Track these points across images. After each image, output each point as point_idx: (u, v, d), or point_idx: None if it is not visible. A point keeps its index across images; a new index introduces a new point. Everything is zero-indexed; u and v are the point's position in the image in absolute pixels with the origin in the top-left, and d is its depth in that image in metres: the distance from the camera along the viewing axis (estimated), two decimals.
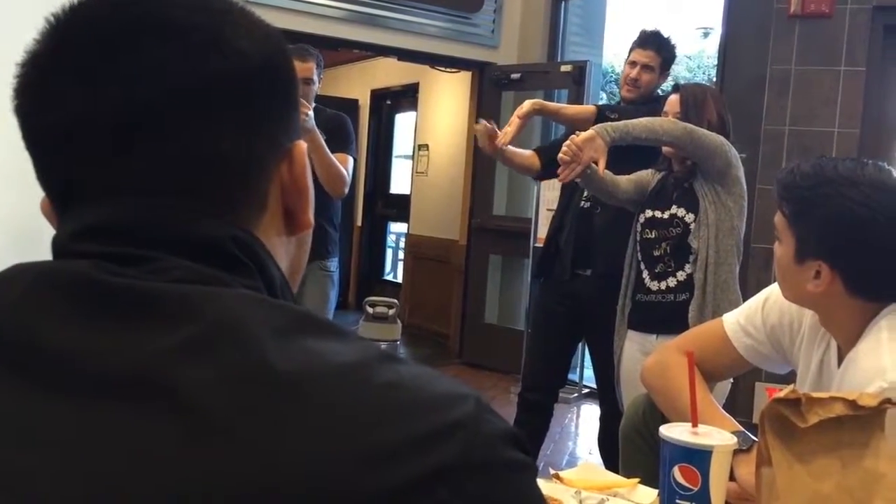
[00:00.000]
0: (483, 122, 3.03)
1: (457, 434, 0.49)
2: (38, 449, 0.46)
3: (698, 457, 1.17)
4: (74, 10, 0.57)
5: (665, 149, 2.62)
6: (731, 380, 2.43)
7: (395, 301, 5.69)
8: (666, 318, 2.55)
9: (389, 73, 7.82)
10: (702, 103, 2.63)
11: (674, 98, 2.69)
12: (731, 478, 1.26)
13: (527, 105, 2.96)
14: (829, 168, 1.39)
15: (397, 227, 8.60)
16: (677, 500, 1.18)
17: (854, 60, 4.13)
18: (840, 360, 1.45)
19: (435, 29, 5.76)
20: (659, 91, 3.17)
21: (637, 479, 1.42)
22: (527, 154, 3.20)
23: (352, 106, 8.04)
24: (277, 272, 0.59)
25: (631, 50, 3.16)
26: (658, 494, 1.28)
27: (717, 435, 1.22)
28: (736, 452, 1.23)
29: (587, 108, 3.18)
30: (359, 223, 8.54)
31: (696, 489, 1.16)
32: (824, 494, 1.05)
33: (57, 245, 0.56)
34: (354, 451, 0.46)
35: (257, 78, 0.58)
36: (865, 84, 4.14)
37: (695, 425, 1.23)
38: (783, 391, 1.08)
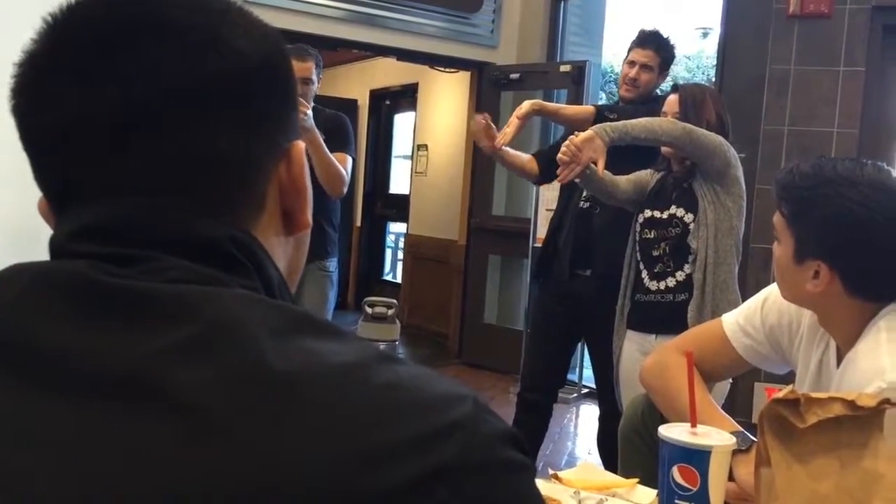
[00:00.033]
0: (479, 117, 3.02)
1: (455, 434, 0.49)
2: (35, 449, 0.46)
3: (697, 457, 1.17)
4: (72, 9, 0.57)
5: (664, 149, 2.62)
6: (730, 380, 2.43)
7: (394, 301, 5.70)
8: (665, 318, 2.55)
9: (388, 73, 7.81)
10: (701, 103, 2.63)
11: (673, 98, 2.69)
12: (731, 478, 1.26)
13: (526, 105, 2.96)
14: (828, 168, 1.39)
15: (396, 228, 8.60)
16: (676, 501, 1.18)
17: (853, 60, 4.13)
18: (839, 360, 1.45)
19: (434, 29, 5.75)
20: (658, 91, 3.17)
21: (636, 480, 1.42)
22: (525, 158, 3.19)
23: (351, 106, 8.03)
24: (275, 272, 0.59)
25: (630, 49, 3.15)
26: (657, 495, 1.28)
27: (716, 435, 1.21)
28: (735, 453, 1.23)
29: (586, 109, 3.18)
30: (358, 223, 8.53)
31: (695, 489, 1.16)
32: (823, 495, 1.05)
33: (54, 245, 0.56)
34: (353, 452, 0.46)
35: (255, 78, 0.58)
36: (864, 84, 4.14)
37: (694, 425, 1.23)
38: (782, 391, 1.08)
